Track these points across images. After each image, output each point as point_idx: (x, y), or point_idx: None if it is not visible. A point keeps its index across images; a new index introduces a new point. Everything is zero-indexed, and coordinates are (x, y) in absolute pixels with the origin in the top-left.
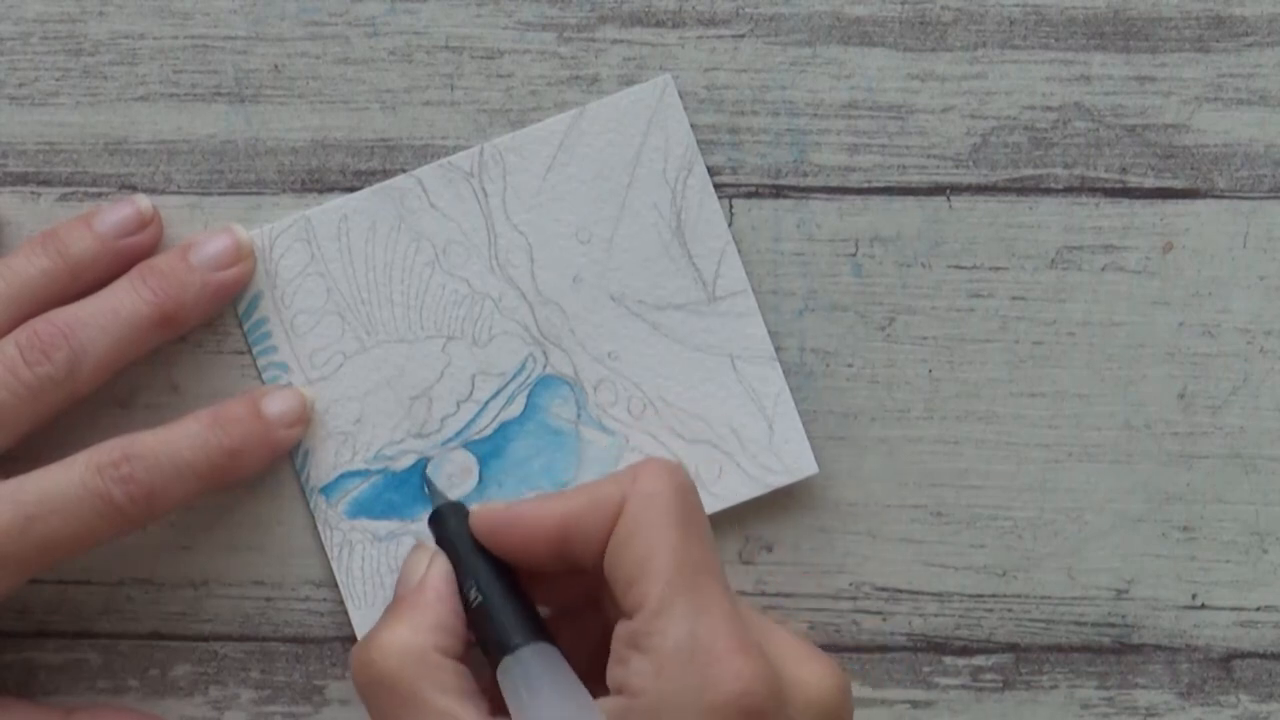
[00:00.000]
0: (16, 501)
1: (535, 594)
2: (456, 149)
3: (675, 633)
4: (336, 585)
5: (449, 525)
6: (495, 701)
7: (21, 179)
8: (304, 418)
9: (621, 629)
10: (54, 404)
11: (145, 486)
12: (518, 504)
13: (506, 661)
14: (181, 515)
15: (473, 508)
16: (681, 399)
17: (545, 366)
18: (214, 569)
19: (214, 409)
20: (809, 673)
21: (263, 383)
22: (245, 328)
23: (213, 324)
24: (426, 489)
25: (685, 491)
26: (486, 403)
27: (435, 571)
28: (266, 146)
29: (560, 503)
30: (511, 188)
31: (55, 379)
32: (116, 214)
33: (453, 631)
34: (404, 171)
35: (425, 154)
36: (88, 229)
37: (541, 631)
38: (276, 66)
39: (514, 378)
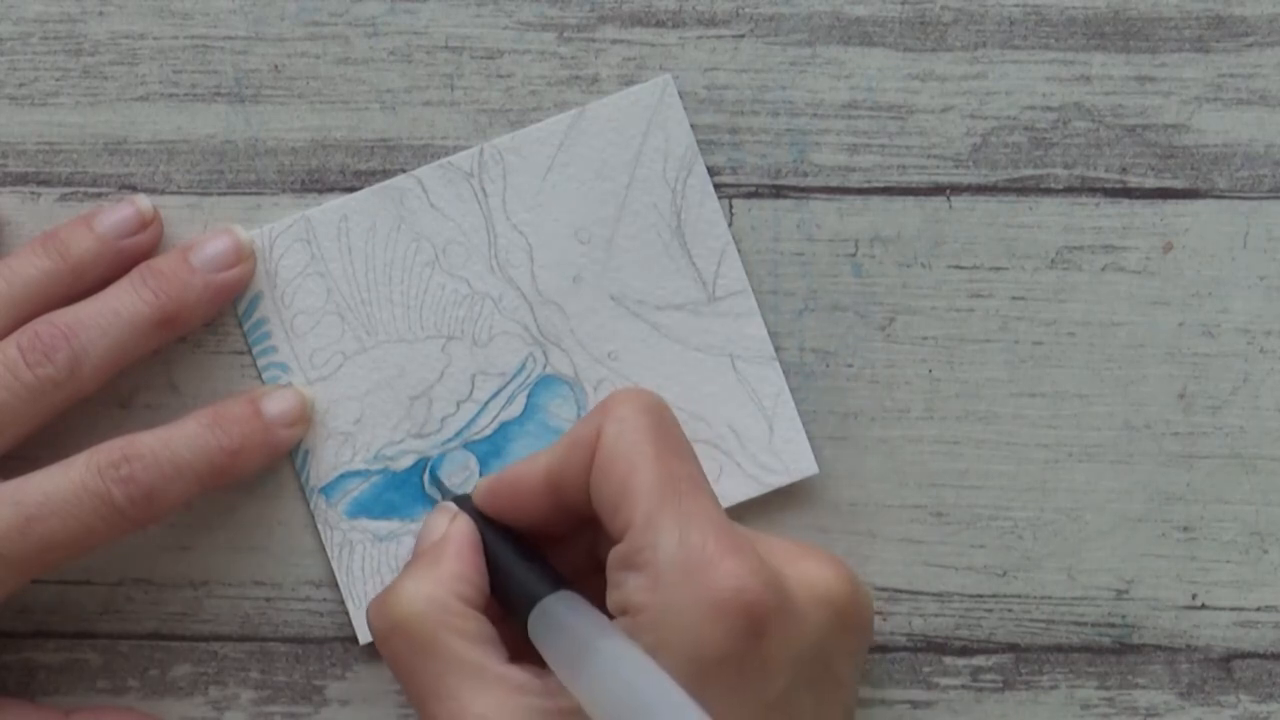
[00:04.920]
0: (16, 502)
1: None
2: (456, 149)
3: (665, 544)
4: (336, 585)
5: (462, 507)
6: (514, 651)
7: (21, 179)
8: (304, 417)
9: (613, 555)
10: (55, 405)
11: (145, 487)
12: (509, 466)
13: (534, 613)
14: (181, 515)
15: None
16: (681, 399)
17: (545, 366)
18: (214, 569)
19: (213, 409)
20: (809, 568)
21: (263, 383)
22: (245, 328)
23: (213, 324)
24: (436, 489)
25: (657, 411)
26: (486, 403)
27: (457, 528)
28: (266, 146)
29: (545, 454)
30: (511, 188)
31: (56, 380)
32: (117, 214)
33: (473, 583)
34: (404, 171)
35: (425, 154)
36: (88, 229)
37: (561, 582)
38: (276, 66)
39: (514, 378)
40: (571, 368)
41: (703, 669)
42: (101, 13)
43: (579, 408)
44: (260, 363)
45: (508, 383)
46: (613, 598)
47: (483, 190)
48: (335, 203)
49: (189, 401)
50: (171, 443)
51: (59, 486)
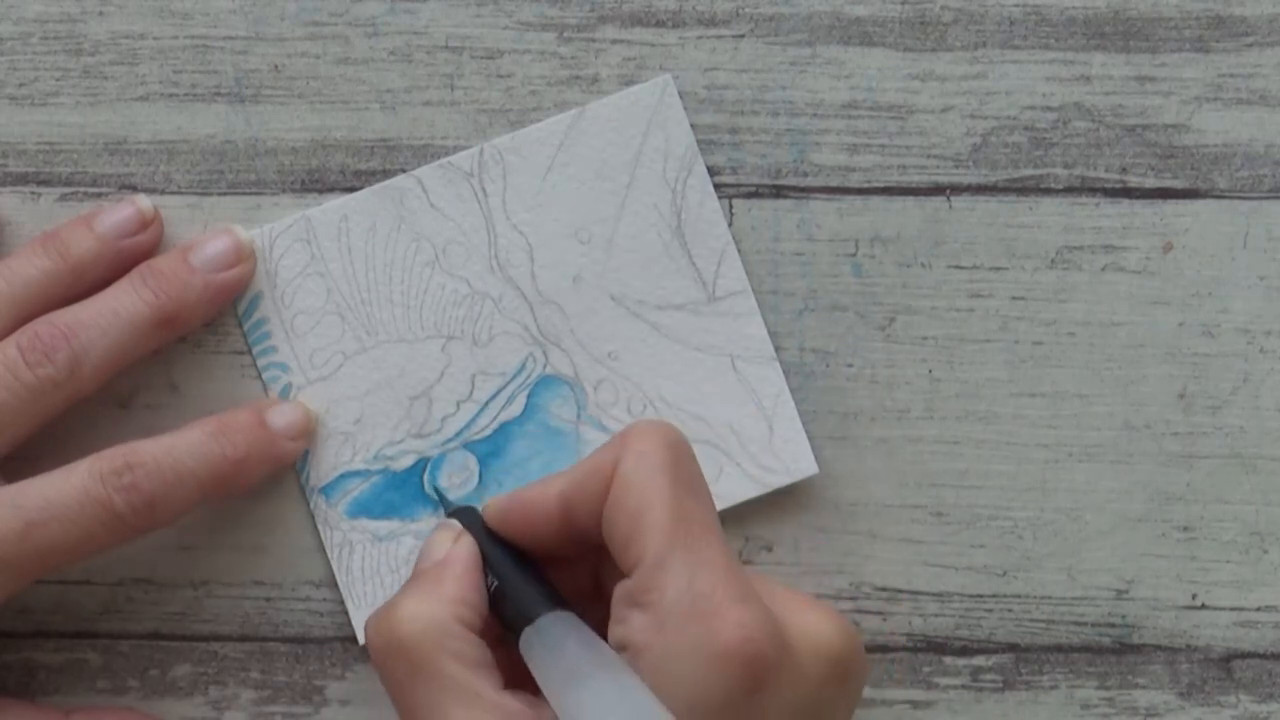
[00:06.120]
0: (17, 506)
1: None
2: (456, 149)
3: (674, 586)
4: (336, 585)
5: (464, 520)
6: (510, 677)
7: (21, 179)
8: (308, 431)
9: (620, 589)
10: (55, 405)
11: (146, 495)
12: (524, 487)
13: (527, 631)
14: None
15: (486, 500)
16: (681, 399)
17: (545, 366)
18: (214, 569)
19: (218, 418)
20: (811, 621)
21: (263, 383)
22: (245, 328)
23: (213, 324)
24: (437, 496)
25: (677, 447)
26: (486, 403)
27: (460, 549)
28: (266, 146)
29: (561, 478)
30: (511, 188)
31: (56, 380)
32: (117, 215)
33: (473, 606)
34: (404, 171)
35: (425, 154)
36: (88, 230)
37: (560, 602)
38: (276, 66)
39: (514, 378)
40: (571, 368)
41: (700, 716)
42: (101, 13)
43: (579, 408)
44: (260, 363)
45: (508, 383)
46: (615, 632)
47: (483, 190)
48: (335, 203)
49: (189, 401)
50: (175, 450)
51: (60, 492)
